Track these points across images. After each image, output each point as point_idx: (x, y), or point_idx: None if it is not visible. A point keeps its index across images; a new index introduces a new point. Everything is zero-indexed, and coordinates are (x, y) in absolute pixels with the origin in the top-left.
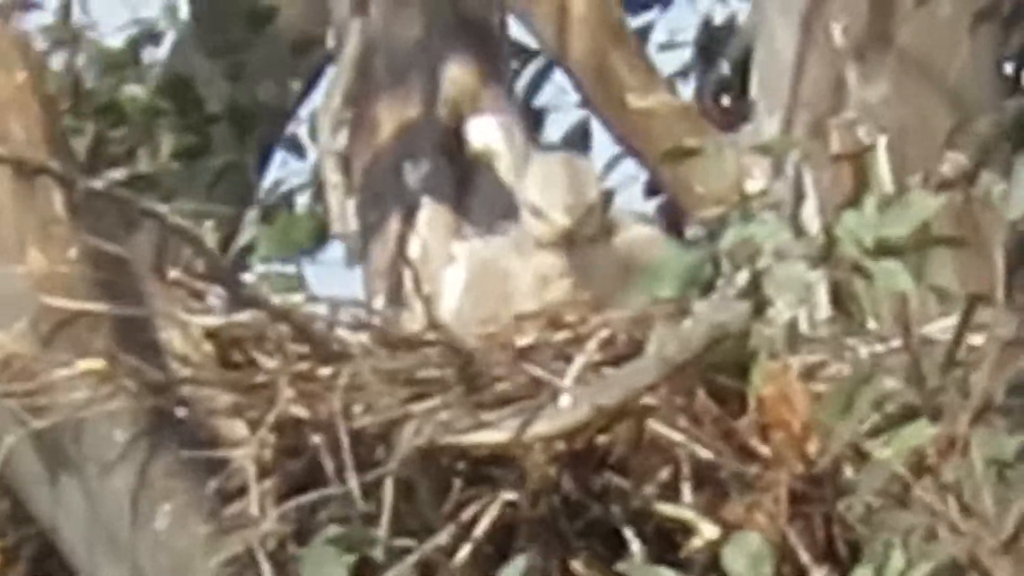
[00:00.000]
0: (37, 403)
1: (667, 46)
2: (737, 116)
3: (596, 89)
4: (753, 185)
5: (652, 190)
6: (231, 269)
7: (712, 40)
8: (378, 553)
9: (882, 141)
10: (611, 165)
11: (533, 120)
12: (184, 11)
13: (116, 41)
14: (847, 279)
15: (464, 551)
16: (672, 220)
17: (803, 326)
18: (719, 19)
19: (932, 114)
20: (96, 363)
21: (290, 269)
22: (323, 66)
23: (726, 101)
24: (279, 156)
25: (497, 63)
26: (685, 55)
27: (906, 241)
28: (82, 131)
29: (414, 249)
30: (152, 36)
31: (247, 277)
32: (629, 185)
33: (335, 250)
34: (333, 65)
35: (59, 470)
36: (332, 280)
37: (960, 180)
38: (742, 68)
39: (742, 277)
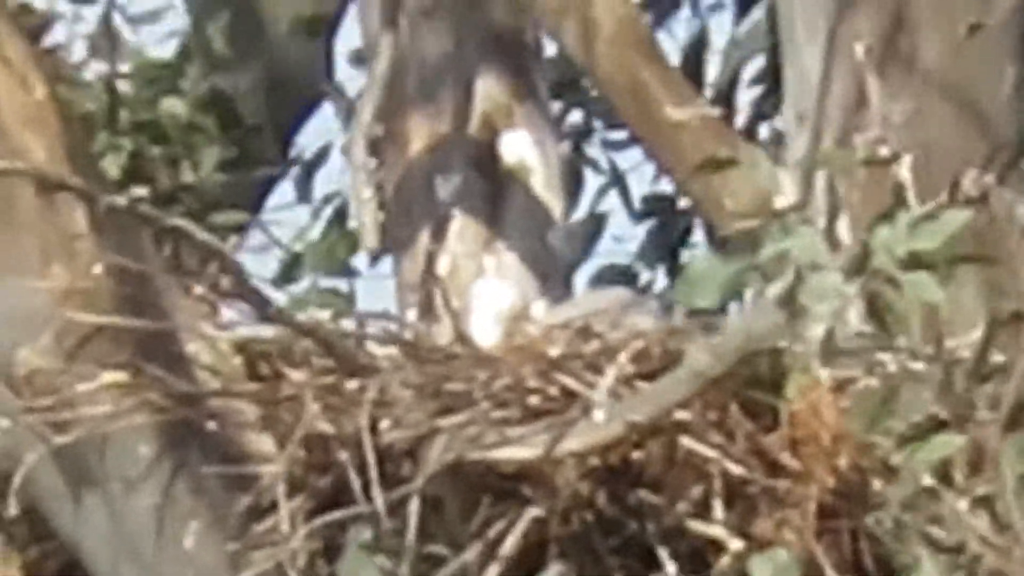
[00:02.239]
0: (61, 418)
1: None
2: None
3: (628, 104)
4: (783, 200)
5: (644, 214)
6: (255, 285)
7: (698, 63)
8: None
9: (906, 160)
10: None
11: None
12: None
13: (156, 52)
14: (880, 291)
15: (493, 569)
16: (665, 243)
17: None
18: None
19: (955, 132)
20: (120, 377)
21: (339, 284)
22: None
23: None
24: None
25: (531, 79)
26: None
27: (937, 255)
28: (120, 148)
29: (443, 263)
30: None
31: (292, 290)
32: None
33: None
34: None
35: (82, 486)
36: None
37: (982, 198)
38: (728, 90)
39: (777, 288)
